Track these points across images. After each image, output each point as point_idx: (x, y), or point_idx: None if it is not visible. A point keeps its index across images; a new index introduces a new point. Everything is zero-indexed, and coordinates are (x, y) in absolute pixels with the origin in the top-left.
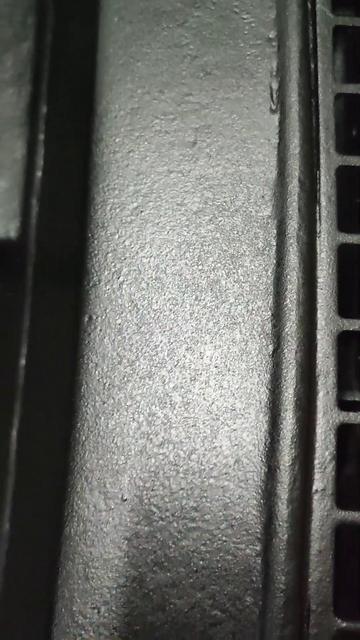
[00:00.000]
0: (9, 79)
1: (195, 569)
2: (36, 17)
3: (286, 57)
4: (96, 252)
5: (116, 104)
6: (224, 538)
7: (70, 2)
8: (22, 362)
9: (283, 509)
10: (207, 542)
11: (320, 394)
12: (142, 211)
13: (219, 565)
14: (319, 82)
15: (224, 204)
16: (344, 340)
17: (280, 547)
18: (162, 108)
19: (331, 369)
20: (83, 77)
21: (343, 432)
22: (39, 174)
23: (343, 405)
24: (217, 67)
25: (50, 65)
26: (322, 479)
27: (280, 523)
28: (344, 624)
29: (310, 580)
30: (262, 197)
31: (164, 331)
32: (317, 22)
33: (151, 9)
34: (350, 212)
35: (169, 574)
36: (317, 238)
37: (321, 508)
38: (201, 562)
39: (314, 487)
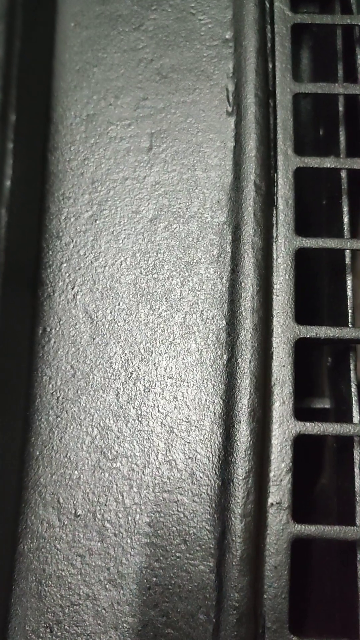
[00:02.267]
0: None
1: (148, 586)
2: (5, 24)
3: (242, 58)
4: (51, 262)
5: (72, 111)
6: (177, 554)
7: (35, 9)
8: None
9: (237, 524)
10: (161, 558)
11: (276, 404)
12: (96, 220)
13: (173, 582)
14: (277, 82)
15: (180, 210)
16: (314, 347)
17: (234, 563)
18: (117, 114)
19: (287, 377)
20: (43, 84)
21: (318, 443)
22: (7, 183)
23: (311, 414)
24: (174, 70)
25: (19, 73)
26: (277, 492)
27: (234, 538)
28: None
29: (265, 596)
30: (218, 202)
31: (119, 342)
32: (274, 20)
33: (107, 13)
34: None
35: (122, 592)
36: (274, 243)
37: (277, 522)
38: (154, 579)
39: (270, 501)
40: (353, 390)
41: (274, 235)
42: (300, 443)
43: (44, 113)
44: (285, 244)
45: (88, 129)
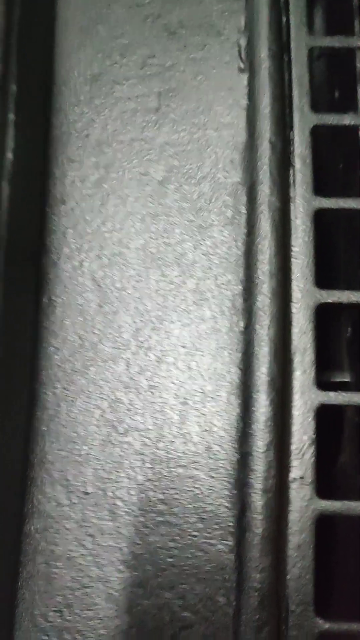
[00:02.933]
0: None
1: (163, 567)
2: None
3: (255, 11)
4: (55, 228)
5: (75, 72)
6: (194, 533)
7: None
8: None
9: (257, 500)
10: (176, 537)
11: (297, 373)
12: (103, 183)
13: (189, 562)
14: (292, 36)
15: (191, 171)
16: (332, 315)
17: (255, 542)
18: (123, 73)
19: (309, 345)
20: (45, 47)
21: (338, 419)
22: (9, 155)
23: (331, 387)
24: (182, 25)
25: (19, 43)
26: (300, 466)
27: (255, 515)
28: (327, 625)
29: (288, 577)
30: (231, 162)
31: (128, 310)
32: None
33: None
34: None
35: (135, 573)
36: (291, 204)
37: (300, 498)
38: (170, 560)
39: (291, 475)
40: None
41: (292, 195)
42: (321, 418)
43: (46, 75)
44: (303, 204)
45: (93, 89)
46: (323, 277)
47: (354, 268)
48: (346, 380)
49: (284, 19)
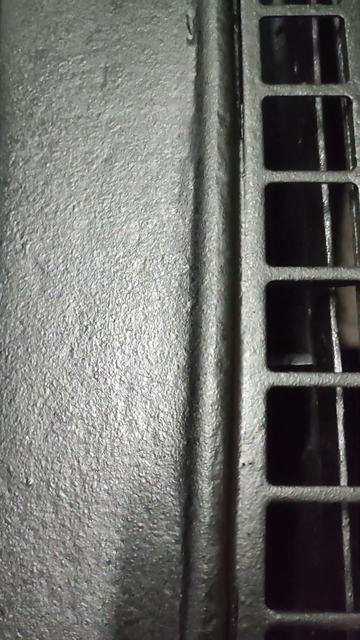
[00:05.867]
0: None
1: (108, 560)
2: None
3: None
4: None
5: (19, 48)
6: (139, 524)
7: None
8: None
9: (204, 487)
10: (121, 529)
11: (246, 354)
12: (47, 163)
13: (135, 555)
14: (242, 5)
15: (137, 148)
16: (293, 297)
17: (202, 531)
18: (68, 49)
19: (259, 324)
20: None
21: (303, 406)
22: None
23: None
24: None
25: None
26: (250, 451)
27: (201, 503)
28: (278, 616)
29: (237, 567)
30: (179, 136)
31: (72, 293)
32: None
33: None
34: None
35: (79, 567)
36: (241, 178)
37: (249, 484)
38: (115, 552)
39: (241, 461)
40: (334, 338)
41: (241, 169)
42: (281, 404)
43: None
44: (253, 178)
45: (37, 66)
46: (281, 255)
47: (315, 243)
48: (308, 363)
49: None
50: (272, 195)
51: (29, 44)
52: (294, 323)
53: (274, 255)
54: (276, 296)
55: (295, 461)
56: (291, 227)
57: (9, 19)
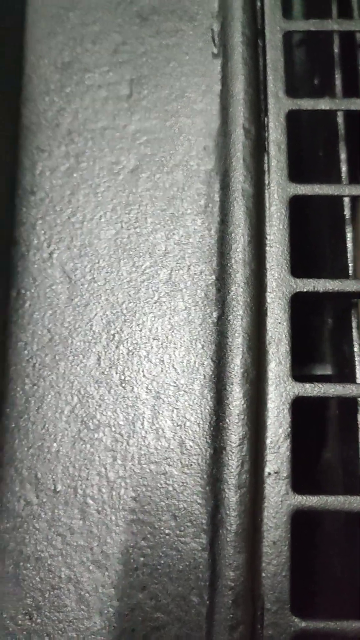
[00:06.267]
0: None
1: (135, 566)
2: None
3: None
4: (24, 220)
5: (46, 60)
6: (166, 531)
7: None
8: None
9: (231, 496)
10: (148, 535)
11: (272, 365)
12: (73, 173)
13: (162, 561)
14: (266, 20)
15: (163, 159)
16: (313, 308)
17: (228, 539)
18: (95, 60)
19: (284, 335)
20: (16, 37)
21: (321, 415)
22: None
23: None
24: (155, 11)
25: None
26: (275, 460)
27: (228, 512)
28: (303, 624)
29: (263, 575)
30: (204, 149)
31: (99, 303)
32: None
33: None
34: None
35: (106, 573)
36: (266, 190)
37: (275, 493)
38: (142, 559)
39: (267, 470)
40: (356, 349)
41: (266, 182)
42: (302, 414)
43: (16, 64)
44: (278, 191)
45: (63, 77)
46: (307, 266)
47: (337, 254)
48: (328, 373)
49: (258, 4)
50: (295, 206)
51: (56, 55)
52: (311, 333)
53: (297, 266)
54: (296, 307)
55: (312, 470)
56: (313, 239)
57: (35, 30)
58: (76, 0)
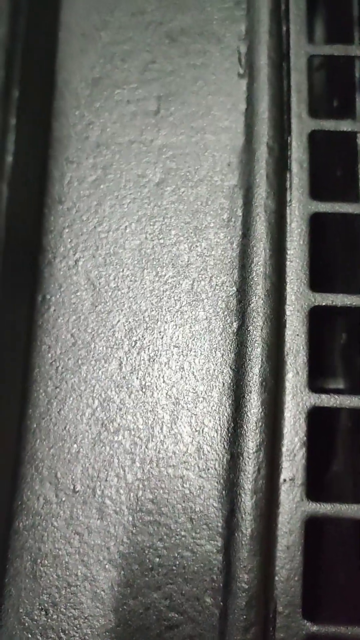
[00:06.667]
0: None
1: (150, 566)
2: (10, 2)
3: (255, 20)
4: (52, 228)
5: (77, 75)
6: (182, 533)
7: None
8: None
9: (247, 501)
10: (164, 537)
11: (289, 375)
12: (100, 184)
13: (177, 562)
14: (291, 44)
15: (188, 174)
16: (327, 321)
17: (243, 542)
18: (124, 77)
19: (302, 347)
20: (48, 53)
21: (330, 427)
22: (9, 158)
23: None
24: (183, 32)
25: (23, 49)
26: (291, 467)
27: (244, 516)
28: (315, 628)
29: (276, 578)
30: (229, 165)
31: (122, 310)
32: None
33: None
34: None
35: (122, 572)
36: (288, 207)
37: (290, 499)
38: (157, 559)
39: (282, 477)
40: None
41: (288, 199)
42: (313, 421)
43: (48, 79)
44: (299, 208)
45: (93, 92)
46: (321, 281)
47: (352, 271)
48: (339, 387)
49: (284, 28)
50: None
51: (87, 72)
52: (324, 347)
53: (315, 281)
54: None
55: (322, 479)
56: (329, 254)
57: (67, 48)
58: (108, 20)
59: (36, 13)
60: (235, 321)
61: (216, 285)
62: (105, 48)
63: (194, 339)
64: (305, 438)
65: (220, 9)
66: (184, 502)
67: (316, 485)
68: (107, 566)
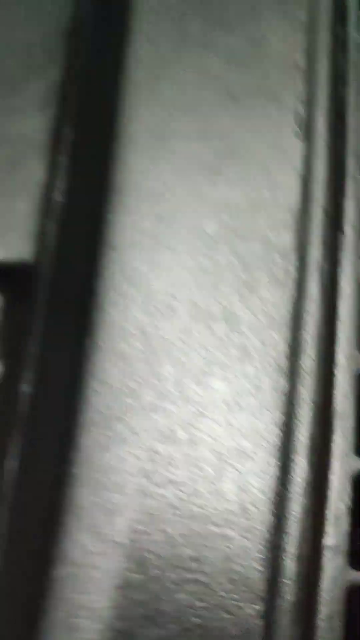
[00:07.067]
0: (36, 103)
1: (188, 626)
2: (67, 42)
3: (314, 83)
4: (104, 274)
5: (137, 124)
6: (222, 593)
7: (100, 27)
8: (26, 388)
9: (290, 566)
10: (204, 596)
11: (337, 438)
12: (156, 234)
13: (215, 624)
14: (349, 108)
15: (243, 229)
16: None
17: (285, 609)
18: (184, 130)
19: (349, 410)
20: (108, 99)
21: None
22: (58, 197)
23: None
24: (244, 91)
25: (79, 89)
26: (335, 534)
27: (287, 581)
28: None
29: None
30: (283, 223)
31: (172, 361)
32: (348, 47)
33: (180, 32)
34: None
35: (160, 631)
36: (340, 269)
37: (333, 567)
38: (195, 619)
39: (326, 543)
40: None
41: (340, 261)
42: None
43: (107, 125)
44: (352, 270)
45: (153, 142)
46: None
47: None
48: None
49: (342, 91)
50: None
51: (147, 122)
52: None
53: None
54: None
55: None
56: None
57: (128, 96)
58: (170, 74)
59: (97, 58)
60: (284, 380)
61: (267, 343)
62: (166, 101)
63: (242, 395)
64: (349, 504)
65: (280, 70)
66: (225, 562)
67: (352, 553)
68: (145, 623)
